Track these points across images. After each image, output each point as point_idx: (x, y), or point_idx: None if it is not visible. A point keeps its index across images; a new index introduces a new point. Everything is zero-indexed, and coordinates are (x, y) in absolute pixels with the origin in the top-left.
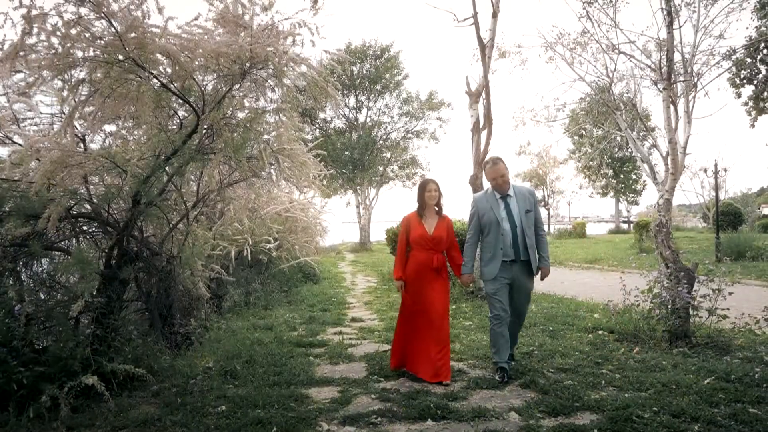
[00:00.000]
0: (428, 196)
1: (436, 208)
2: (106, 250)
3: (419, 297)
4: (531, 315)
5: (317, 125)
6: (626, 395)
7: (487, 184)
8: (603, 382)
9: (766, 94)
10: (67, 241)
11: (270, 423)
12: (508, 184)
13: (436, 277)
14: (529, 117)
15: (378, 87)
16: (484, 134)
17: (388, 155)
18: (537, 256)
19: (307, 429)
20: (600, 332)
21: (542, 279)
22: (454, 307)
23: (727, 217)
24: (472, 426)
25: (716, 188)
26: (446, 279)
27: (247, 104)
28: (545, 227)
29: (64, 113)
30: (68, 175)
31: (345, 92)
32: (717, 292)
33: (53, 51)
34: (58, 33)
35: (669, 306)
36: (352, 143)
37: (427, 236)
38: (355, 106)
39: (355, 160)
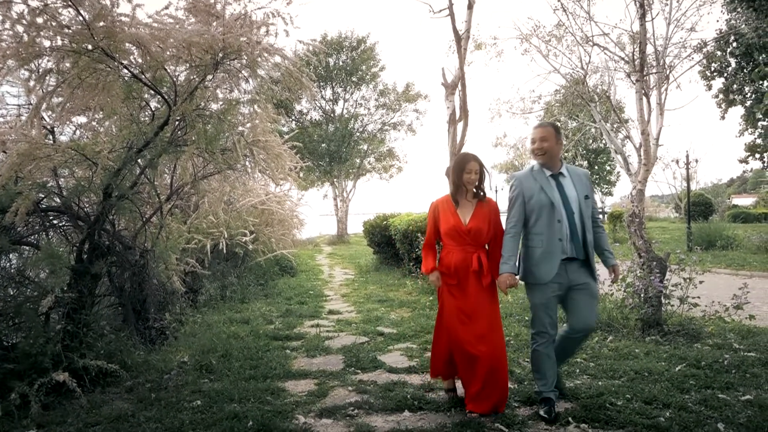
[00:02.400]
0: (467, 179)
1: (475, 190)
2: (77, 245)
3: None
4: (506, 305)
5: (293, 117)
6: (600, 383)
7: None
8: (577, 370)
9: (735, 86)
10: (36, 236)
11: (246, 417)
12: (558, 160)
13: (478, 283)
14: (505, 109)
15: (354, 79)
16: (460, 126)
17: (365, 147)
18: (593, 255)
19: (284, 422)
20: None
21: (615, 281)
22: (431, 298)
23: (698, 207)
24: (448, 417)
25: (688, 179)
26: (493, 285)
27: (220, 95)
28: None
29: (32, 104)
30: (36, 168)
31: (321, 84)
32: (688, 281)
33: (19, 40)
34: (24, 21)
35: (642, 295)
36: (329, 135)
37: (461, 228)
38: (331, 97)
39: (331, 153)
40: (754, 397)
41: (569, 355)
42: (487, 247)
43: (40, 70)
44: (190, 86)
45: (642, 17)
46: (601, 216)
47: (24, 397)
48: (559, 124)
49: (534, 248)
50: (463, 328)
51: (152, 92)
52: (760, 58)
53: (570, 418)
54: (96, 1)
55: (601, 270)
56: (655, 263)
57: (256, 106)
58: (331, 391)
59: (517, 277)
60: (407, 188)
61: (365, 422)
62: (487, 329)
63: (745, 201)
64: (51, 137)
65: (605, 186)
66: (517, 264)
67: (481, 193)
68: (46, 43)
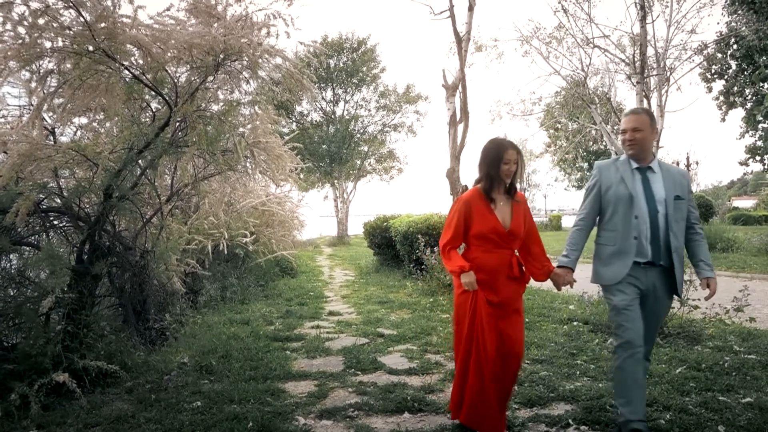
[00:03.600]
0: (505, 171)
1: (507, 183)
2: (78, 245)
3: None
4: None
5: (294, 118)
6: (600, 385)
7: (463, 180)
8: (578, 372)
9: (736, 89)
10: (36, 236)
11: (246, 418)
12: (650, 152)
13: (516, 292)
14: (506, 110)
15: (355, 80)
16: (460, 127)
17: (366, 149)
18: (682, 265)
19: (284, 423)
20: (575, 323)
21: (708, 297)
22: (431, 300)
23: (698, 209)
24: (448, 418)
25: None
26: (522, 290)
27: (221, 96)
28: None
29: (33, 105)
30: (37, 169)
31: (322, 85)
32: (689, 283)
33: (20, 41)
34: (25, 22)
35: None
36: (330, 136)
37: (501, 230)
38: (332, 99)
39: (332, 154)
40: (755, 400)
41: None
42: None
43: (42, 71)
44: (191, 87)
45: (642, 19)
46: (699, 222)
47: (24, 397)
48: (559, 126)
49: (605, 246)
50: (497, 333)
51: (153, 93)
52: (761, 60)
53: (570, 420)
54: (97, 2)
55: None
56: None
57: (256, 108)
58: (331, 393)
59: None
60: (408, 190)
61: (365, 424)
62: (521, 333)
63: (745, 203)
64: (52, 138)
65: None
66: (577, 260)
67: (513, 187)
68: (48, 45)
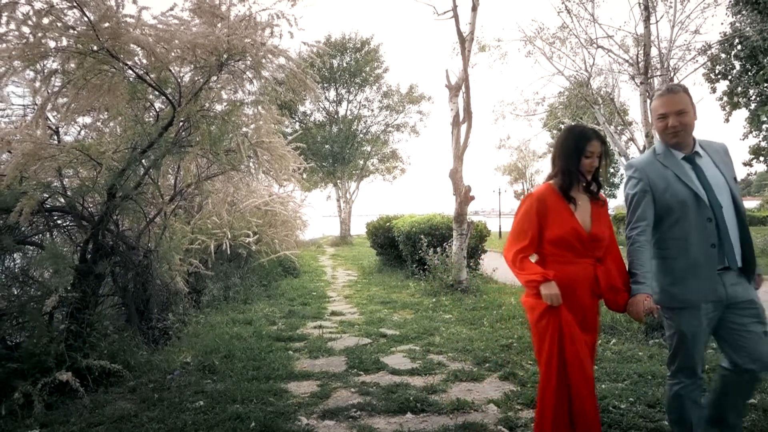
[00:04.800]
0: (587, 164)
1: (586, 180)
2: (81, 245)
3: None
4: (510, 307)
5: (297, 118)
6: (603, 386)
7: (466, 180)
8: None
9: (740, 89)
10: (40, 235)
11: (248, 418)
12: (691, 135)
13: (593, 310)
14: (509, 111)
15: (358, 80)
16: (463, 128)
17: (369, 149)
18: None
19: (286, 423)
20: None
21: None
22: (434, 300)
23: None
24: (451, 418)
25: None
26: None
27: (224, 96)
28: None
29: (37, 104)
30: (41, 168)
31: (325, 85)
32: None
33: (24, 40)
34: (30, 22)
35: None
36: (333, 136)
37: (583, 234)
38: (335, 99)
39: (335, 154)
40: (758, 401)
41: (738, 405)
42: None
43: (46, 71)
44: (195, 87)
45: (646, 20)
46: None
47: (27, 396)
48: (562, 127)
49: (672, 260)
50: (590, 361)
51: (157, 93)
52: (765, 60)
53: None
54: (101, 2)
55: None
56: None
57: (260, 107)
58: (333, 393)
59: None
60: (410, 190)
61: (368, 424)
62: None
63: (749, 204)
64: (56, 137)
65: (608, 188)
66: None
67: (595, 186)
68: (52, 44)
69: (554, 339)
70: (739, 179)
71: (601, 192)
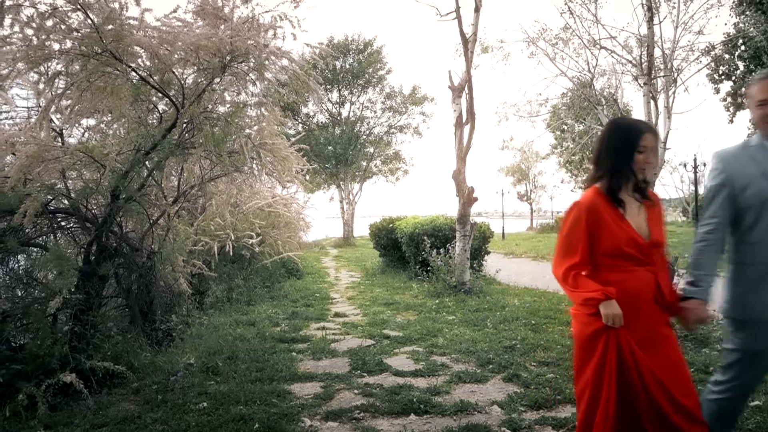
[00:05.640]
0: (641, 160)
1: (636, 179)
2: (85, 246)
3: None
4: (513, 309)
5: (300, 120)
6: None
7: (470, 182)
8: None
9: (744, 90)
10: (44, 237)
11: (252, 419)
12: None
13: (663, 323)
14: (512, 112)
15: (361, 82)
16: (466, 129)
17: (372, 150)
18: None
19: (290, 425)
20: None
21: None
22: (437, 301)
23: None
24: (454, 420)
25: (695, 183)
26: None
27: (228, 98)
28: (528, 222)
29: (41, 106)
30: (45, 170)
31: (328, 87)
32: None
33: (28, 43)
34: (33, 24)
35: None
36: (335, 138)
37: (641, 242)
38: (338, 100)
39: (338, 155)
40: (763, 403)
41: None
42: None
43: (50, 73)
44: (198, 89)
45: (650, 20)
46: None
47: (31, 397)
48: (565, 128)
49: (749, 266)
50: (661, 391)
51: (160, 95)
52: None
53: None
54: (105, 4)
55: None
56: None
57: (263, 109)
58: (337, 394)
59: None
60: (414, 191)
61: (371, 425)
62: (687, 375)
63: None
64: (60, 139)
65: None
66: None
67: (645, 186)
68: (56, 47)
69: (612, 366)
70: None
71: (651, 189)
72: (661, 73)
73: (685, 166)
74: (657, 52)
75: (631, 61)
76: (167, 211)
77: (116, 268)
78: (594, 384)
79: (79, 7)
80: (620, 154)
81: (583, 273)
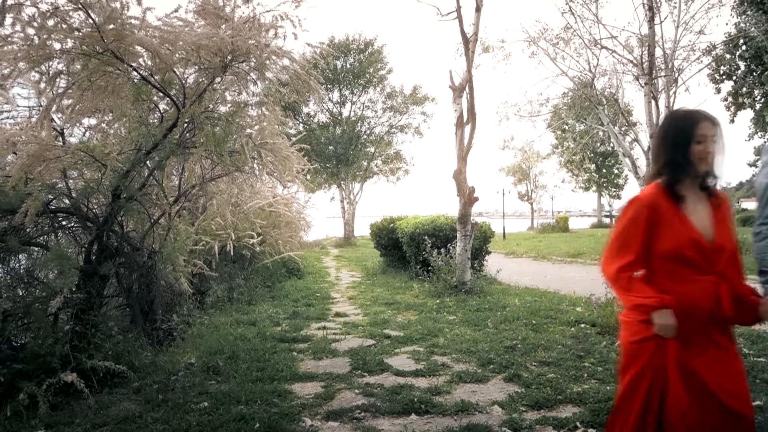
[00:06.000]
0: (699, 151)
1: (698, 173)
2: (86, 246)
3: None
4: (514, 309)
5: (301, 119)
6: (608, 387)
7: (470, 182)
8: (585, 375)
9: (745, 89)
10: (45, 237)
11: (253, 419)
12: None
13: (721, 338)
14: (513, 112)
15: (362, 81)
16: (467, 129)
17: (372, 150)
18: None
19: (290, 424)
20: (582, 325)
21: None
22: (438, 301)
23: None
24: (455, 420)
25: None
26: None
27: (228, 98)
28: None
29: (42, 106)
30: (46, 169)
31: (329, 86)
32: None
33: (29, 42)
34: (35, 24)
35: None
36: (336, 138)
37: (704, 245)
38: (338, 100)
39: (339, 155)
40: (765, 403)
41: None
42: None
43: (51, 72)
44: (199, 89)
45: (651, 20)
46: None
47: (32, 397)
48: (566, 128)
49: None
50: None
51: (161, 94)
52: None
53: (578, 423)
54: (106, 4)
55: None
56: None
57: (264, 109)
58: (337, 394)
59: None
60: (414, 191)
61: (372, 425)
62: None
63: (754, 205)
64: (61, 139)
65: (613, 189)
66: None
67: (710, 181)
68: (57, 46)
69: (656, 382)
70: (743, 180)
71: (718, 187)
72: (662, 73)
73: None
74: (658, 52)
75: (632, 61)
76: (168, 210)
77: (117, 268)
78: (624, 395)
79: (80, 6)
80: (677, 146)
81: (637, 274)
